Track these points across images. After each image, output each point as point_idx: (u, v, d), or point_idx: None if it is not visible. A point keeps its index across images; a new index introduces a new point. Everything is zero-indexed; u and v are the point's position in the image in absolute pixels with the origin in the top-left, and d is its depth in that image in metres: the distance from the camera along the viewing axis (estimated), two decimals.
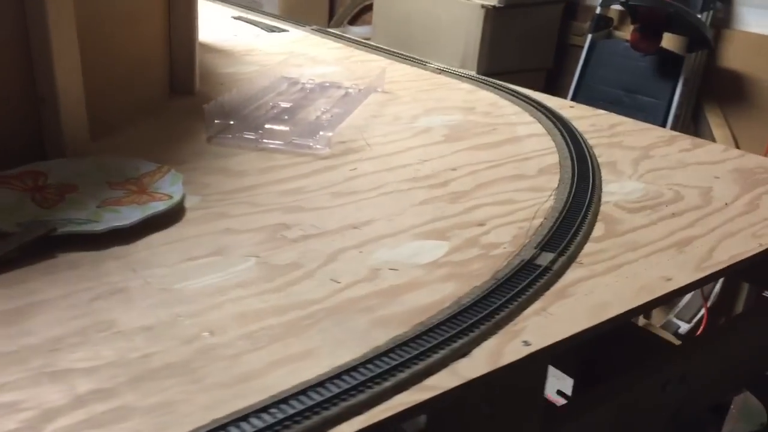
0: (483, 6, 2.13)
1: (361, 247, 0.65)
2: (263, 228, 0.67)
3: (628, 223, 0.73)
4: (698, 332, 1.95)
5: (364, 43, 1.49)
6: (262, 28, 1.55)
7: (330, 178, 0.80)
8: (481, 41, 2.17)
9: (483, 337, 0.52)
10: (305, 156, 0.86)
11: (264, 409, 0.43)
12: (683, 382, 0.69)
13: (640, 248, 0.67)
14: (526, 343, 0.52)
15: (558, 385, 0.84)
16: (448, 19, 2.25)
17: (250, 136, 0.89)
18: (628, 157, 0.92)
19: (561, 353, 0.54)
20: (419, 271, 0.61)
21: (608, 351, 0.74)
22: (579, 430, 0.64)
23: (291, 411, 0.43)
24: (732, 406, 1.49)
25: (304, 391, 0.45)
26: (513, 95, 1.16)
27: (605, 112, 1.11)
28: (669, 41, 2.02)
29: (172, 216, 0.67)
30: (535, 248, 0.65)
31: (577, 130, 0.99)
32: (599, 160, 0.90)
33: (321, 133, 0.88)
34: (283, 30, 1.55)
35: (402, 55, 1.40)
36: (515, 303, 0.56)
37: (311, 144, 0.88)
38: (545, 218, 0.72)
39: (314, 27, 1.59)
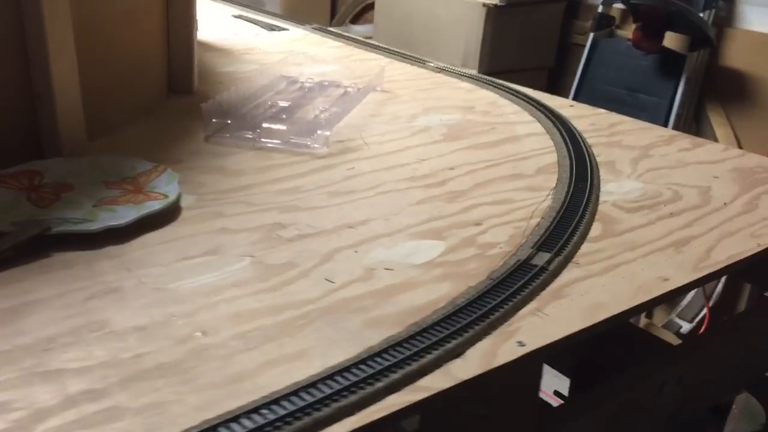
0: (484, 5, 2.13)
1: (356, 246, 0.64)
2: (259, 227, 0.67)
3: (625, 222, 0.72)
4: (700, 332, 1.95)
5: (364, 41, 1.48)
6: (262, 27, 1.55)
7: (327, 178, 0.79)
8: (482, 40, 2.17)
9: (477, 338, 0.52)
10: (303, 155, 0.86)
11: (255, 409, 0.43)
12: (681, 383, 0.69)
13: (637, 248, 0.67)
14: (521, 344, 0.51)
15: (555, 385, 0.84)
16: (450, 17, 2.25)
17: (248, 135, 0.88)
18: (627, 156, 0.91)
19: (557, 353, 0.54)
20: (415, 271, 0.61)
21: (605, 351, 0.74)
22: (575, 431, 0.64)
23: (282, 412, 0.43)
24: (734, 406, 1.49)
25: (295, 391, 0.44)
26: (513, 94, 1.15)
27: (605, 111, 1.10)
28: (671, 40, 2.02)
29: (168, 215, 0.67)
30: (532, 248, 0.65)
31: (576, 130, 0.99)
32: (598, 159, 0.89)
33: (319, 132, 0.88)
34: (284, 29, 1.55)
35: (402, 53, 1.40)
36: (510, 303, 0.56)
37: (309, 143, 0.87)
38: (542, 218, 0.72)
39: (314, 26, 1.59)
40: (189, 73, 1.05)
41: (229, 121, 0.90)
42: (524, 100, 1.12)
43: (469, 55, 2.21)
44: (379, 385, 0.46)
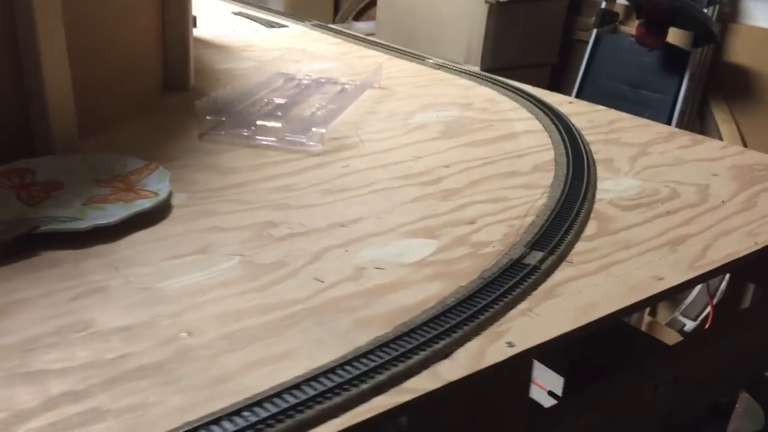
0: (487, 1, 2.12)
1: (347, 245, 0.64)
2: (250, 226, 0.66)
3: (621, 221, 0.72)
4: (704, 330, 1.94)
5: (364, 38, 1.48)
6: (261, 24, 1.54)
7: (321, 175, 0.79)
8: (485, 36, 2.15)
9: (466, 338, 0.51)
10: (297, 153, 0.85)
11: (237, 411, 0.42)
12: (677, 384, 0.68)
13: (632, 247, 0.66)
14: (510, 345, 0.51)
15: (550, 384, 0.83)
16: (452, 14, 2.23)
17: (243, 132, 0.88)
18: (626, 153, 0.90)
19: (551, 352, 0.53)
20: (405, 271, 0.60)
21: (600, 350, 0.73)
22: None
23: (265, 414, 0.42)
24: (737, 405, 1.48)
25: (279, 393, 0.44)
26: (511, 91, 1.14)
27: (604, 108, 1.09)
28: (675, 36, 2.01)
29: (158, 213, 0.67)
30: (525, 247, 0.64)
31: (574, 127, 0.98)
32: (596, 156, 0.88)
33: (314, 129, 0.87)
34: (283, 25, 1.55)
35: (401, 50, 1.39)
36: (501, 303, 0.55)
37: (304, 140, 0.87)
38: (537, 216, 0.71)
39: (314, 22, 1.58)
40: (185, 70, 1.04)
41: (224, 119, 0.90)
42: (523, 97, 1.11)
43: (471, 52, 2.19)
44: (364, 386, 0.45)
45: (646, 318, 2.07)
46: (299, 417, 0.42)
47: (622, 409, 0.66)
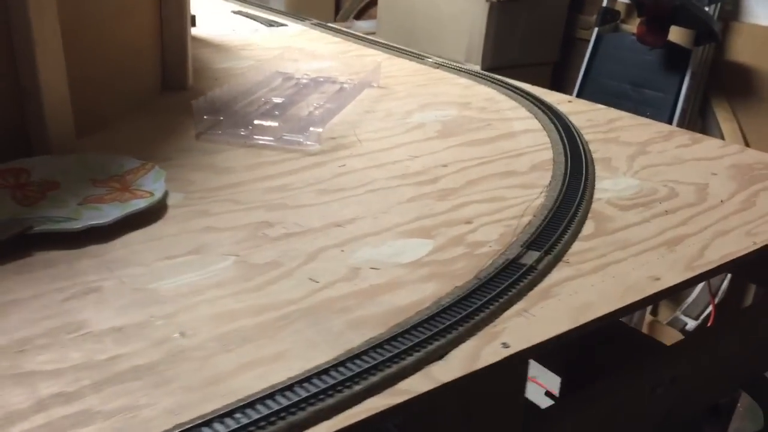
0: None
1: (343, 245, 0.63)
2: (245, 226, 0.66)
3: (619, 220, 0.71)
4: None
5: (363, 37, 1.47)
6: (261, 23, 1.54)
7: (317, 175, 0.78)
8: (485, 35, 2.15)
9: (461, 339, 0.51)
10: (294, 152, 0.85)
11: (228, 413, 0.42)
12: (674, 385, 0.68)
13: (629, 247, 0.66)
14: (505, 345, 0.50)
15: (549, 383, 0.83)
16: (453, 12, 2.23)
17: (240, 132, 0.88)
18: (624, 153, 0.90)
19: (548, 352, 0.53)
20: (401, 271, 0.60)
21: (597, 351, 0.73)
22: None
23: (256, 416, 0.42)
24: (739, 404, 1.47)
25: (271, 394, 0.44)
26: (511, 90, 1.14)
27: (604, 106, 1.09)
28: (676, 34, 2.00)
29: (153, 214, 0.67)
30: (522, 247, 0.64)
31: (573, 126, 0.97)
32: (594, 156, 0.88)
33: (311, 129, 0.87)
34: (283, 24, 1.54)
35: (400, 49, 1.38)
36: (496, 303, 0.55)
37: (301, 140, 0.86)
38: (534, 216, 0.71)
39: (314, 21, 1.58)
40: (183, 69, 1.04)
41: (222, 118, 0.90)
42: (522, 96, 1.11)
43: (472, 51, 2.19)
44: (357, 387, 0.45)
45: (648, 317, 2.06)
46: (291, 419, 0.42)
47: (619, 410, 0.65)
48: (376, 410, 0.44)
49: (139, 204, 0.66)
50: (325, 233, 0.65)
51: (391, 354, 0.48)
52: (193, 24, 1.20)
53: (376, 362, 0.47)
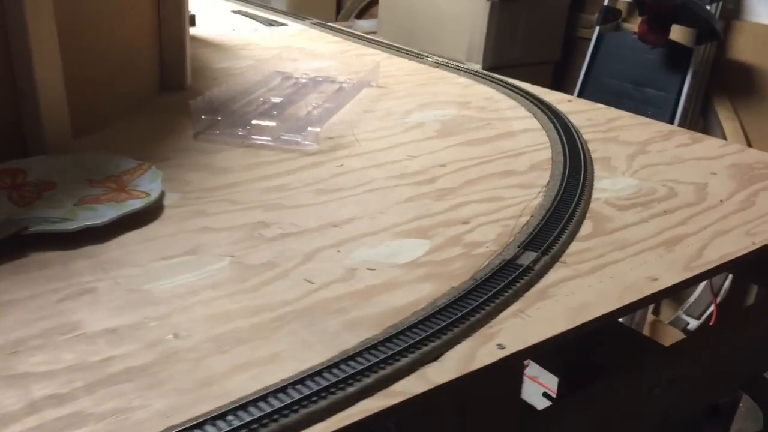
0: None
1: (339, 246, 0.63)
2: (242, 226, 0.66)
3: (617, 220, 0.71)
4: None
5: (363, 36, 1.47)
6: (260, 23, 1.54)
7: (315, 175, 0.78)
8: (486, 34, 2.15)
9: (456, 340, 0.50)
10: (292, 152, 0.84)
11: (220, 415, 0.42)
12: (672, 385, 0.67)
13: (627, 247, 0.66)
14: (501, 347, 0.50)
15: (548, 384, 0.82)
16: (454, 12, 2.23)
17: (238, 132, 0.87)
18: (624, 152, 0.90)
19: (545, 353, 0.53)
20: (397, 271, 0.60)
21: (595, 352, 0.72)
22: None
23: (248, 418, 0.41)
24: (741, 404, 1.47)
25: (264, 396, 0.43)
26: (510, 89, 1.14)
27: (604, 106, 1.09)
28: (677, 33, 1.99)
29: (149, 214, 0.66)
30: (519, 247, 0.63)
31: (572, 125, 0.97)
32: (593, 155, 0.88)
33: (309, 128, 0.87)
34: (283, 24, 1.54)
35: (400, 48, 1.38)
36: (492, 304, 0.54)
37: (299, 140, 0.86)
38: (532, 216, 0.70)
39: (314, 21, 1.58)
40: (181, 69, 1.04)
41: (219, 118, 0.89)
42: (522, 96, 1.10)
43: (473, 50, 2.19)
44: (351, 389, 0.45)
45: (650, 317, 2.06)
46: (283, 421, 0.42)
47: (616, 411, 0.65)
48: (369, 412, 0.44)
49: (135, 204, 0.66)
50: (322, 233, 0.65)
51: (386, 355, 0.48)
52: (193, 24, 1.20)
53: (370, 363, 0.47)
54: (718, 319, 1.89)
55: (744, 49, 1.98)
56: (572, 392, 0.70)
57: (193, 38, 1.16)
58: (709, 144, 0.95)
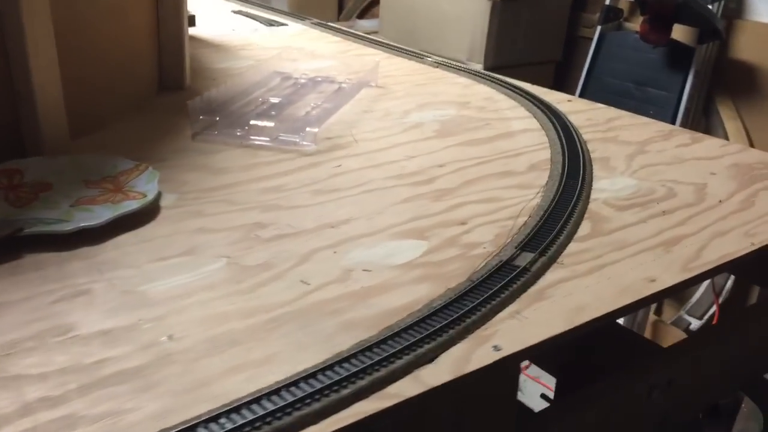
0: None
1: (336, 247, 0.63)
2: (238, 227, 0.66)
3: (615, 221, 0.70)
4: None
5: (363, 36, 1.47)
6: (261, 23, 1.54)
7: (313, 176, 0.78)
8: (488, 34, 2.14)
9: (451, 342, 0.50)
10: (290, 152, 0.84)
11: (214, 418, 0.41)
12: (671, 387, 0.67)
13: (626, 248, 0.65)
14: (496, 348, 0.50)
15: (549, 384, 0.82)
16: (455, 12, 2.22)
17: (236, 132, 0.87)
18: (623, 152, 0.89)
19: (542, 354, 0.52)
20: (393, 272, 0.59)
21: (593, 353, 0.72)
22: None
23: (241, 420, 0.41)
24: (743, 405, 1.46)
25: (257, 398, 0.43)
26: (510, 89, 1.13)
27: (603, 105, 1.08)
28: (679, 32, 1.99)
29: (146, 215, 0.66)
30: (516, 248, 0.63)
31: (572, 125, 0.97)
32: (593, 155, 0.87)
33: (308, 129, 0.87)
34: (283, 24, 1.54)
35: (400, 48, 1.38)
36: (488, 306, 0.54)
37: (297, 140, 0.86)
38: (530, 217, 0.70)
39: (314, 21, 1.58)
40: (180, 69, 1.04)
41: (218, 119, 0.89)
42: (521, 96, 1.10)
43: (474, 50, 2.18)
44: (345, 392, 0.44)
45: (651, 317, 2.06)
46: (277, 423, 0.41)
47: (614, 412, 0.65)
48: (363, 414, 0.43)
49: (132, 205, 0.66)
50: (319, 234, 0.65)
51: (381, 357, 0.47)
52: (193, 24, 1.20)
53: (364, 365, 0.46)
54: (720, 318, 1.89)
55: (746, 48, 1.98)
56: (570, 394, 0.70)
57: (193, 38, 1.16)
58: (709, 144, 0.94)
